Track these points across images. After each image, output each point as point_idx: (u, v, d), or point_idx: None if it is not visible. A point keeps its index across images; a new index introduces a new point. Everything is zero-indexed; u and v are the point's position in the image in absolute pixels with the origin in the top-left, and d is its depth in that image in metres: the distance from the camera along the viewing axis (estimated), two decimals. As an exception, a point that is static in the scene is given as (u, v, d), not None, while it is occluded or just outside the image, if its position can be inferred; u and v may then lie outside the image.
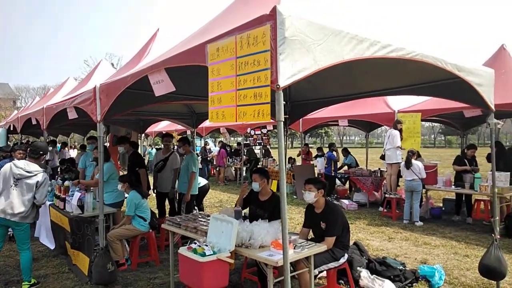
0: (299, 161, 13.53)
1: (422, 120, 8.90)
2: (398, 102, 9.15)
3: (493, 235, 4.08)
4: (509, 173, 6.99)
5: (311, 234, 4.08)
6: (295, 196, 10.79)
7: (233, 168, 15.55)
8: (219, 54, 2.46)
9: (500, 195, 6.60)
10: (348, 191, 10.98)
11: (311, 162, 12.19)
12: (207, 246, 3.26)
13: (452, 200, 8.28)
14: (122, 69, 5.76)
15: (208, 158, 14.30)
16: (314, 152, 12.62)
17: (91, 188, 5.84)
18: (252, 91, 2.23)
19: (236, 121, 2.35)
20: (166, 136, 6.90)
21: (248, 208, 4.45)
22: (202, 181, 6.65)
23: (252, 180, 4.26)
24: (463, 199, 7.79)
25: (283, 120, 2.14)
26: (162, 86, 3.25)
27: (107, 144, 10.51)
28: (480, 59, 7.92)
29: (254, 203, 4.31)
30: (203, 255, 3.14)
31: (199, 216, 4.52)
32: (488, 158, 7.93)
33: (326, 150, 11.41)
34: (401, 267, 4.58)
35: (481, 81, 3.82)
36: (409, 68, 3.87)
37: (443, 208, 8.55)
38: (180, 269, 3.41)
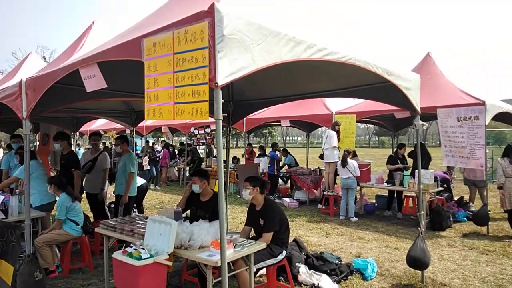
0: (243, 161, 13.59)
1: (357, 121, 9.40)
2: (335, 104, 9.59)
3: (419, 228, 4.42)
4: (433, 170, 7.63)
5: (253, 233, 4.12)
6: (238, 196, 10.82)
7: (176, 168, 15.22)
8: (155, 49, 2.37)
9: (426, 191, 7.18)
10: (290, 190, 11.26)
11: (254, 162, 12.32)
12: (143, 249, 3.13)
13: (384, 197, 8.84)
14: (53, 62, 5.34)
15: (157, 158, 13.80)
16: (258, 152, 12.78)
17: (17, 190, 5.36)
18: (190, 88, 2.18)
19: (173, 119, 2.28)
20: (93, 135, 6.54)
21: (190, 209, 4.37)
22: (139, 181, 6.39)
23: (192, 182, 4.19)
24: (394, 195, 8.37)
25: (222, 118, 2.12)
26: (93, 81, 3.06)
27: (37, 143, 9.71)
28: (409, 66, 8.54)
29: (195, 204, 4.24)
30: (139, 258, 3.02)
31: (137, 218, 4.33)
32: (410, 155, 8.64)
33: (269, 150, 11.60)
34: (337, 261, 4.78)
35: (409, 85, 4.12)
36: (345, 72, 4.07)
37: (376, 204, 9.10)
38: (115, 274, 3.25)
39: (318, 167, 10.72)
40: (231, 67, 2.15)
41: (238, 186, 11.27)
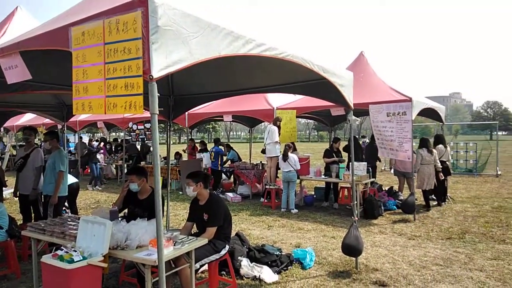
0: (186, 157, 13.36)
1: (297, 117, 9.69)
2: (277, 100, 9.78)
3: (352, 217, 4.68)
4: (366, 163, 8.11)
5: (195, 229, 4.07)
6: (181, 192, 10.62)
7: (114, 165, 14.51)
8: (84, 38, 2.23)
9: (359, 182, 7.62)
10: (233, 185, 11.31)
11: (197, 157, 12.17)
12: (76, 251, 2.95)
13: (322, 188, 9.23)
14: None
15: (97, 155, 12.94)
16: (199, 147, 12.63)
17: None
18: (123, 81, 2.08)
19: (105, 113, 2.17)
20: (26, 129, 6.02)
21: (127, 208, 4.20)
22: (70, 179, 5.98)
23: (129, 180, 4.03)
24: (331, 187, 8.77)
25: (158, 113, 2.06)
26: (15, 72, 2.80)
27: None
28: (344, 64, 8.97)
29: (133, 202, 4.09)
30: (71, 261, 2.84)
31: (68, 219, 4.07)
32: (344, 149, 9.17)
33: (212, 145, 11.52)
34: (278, 253, 4.91)
35: (343, 82, 4.32)
36: (285, 68, 4.14)
37: (315, 196, 9.47)
38: (44, 280, 3.03)
39: (261, 162, 10.88)
40: (167, 60, 2.08)
41: (181, 182, 11.06)
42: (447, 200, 8.98)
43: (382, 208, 7.85)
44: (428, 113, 9.21)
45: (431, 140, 8.84)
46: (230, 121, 12.70)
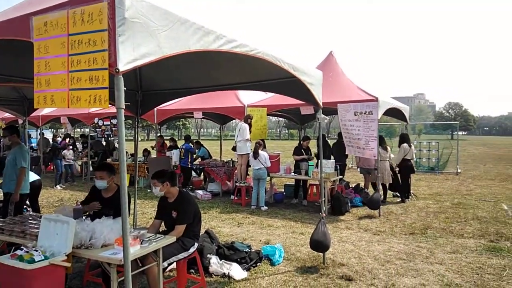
0: (154, 154, 13.10)
1: (268, 114, 9.74)
2: (247, 97, 9.79)
3: (320, 213, 4.77)
4: (334, 160, 8.29)
5: (164, 227, 4.01)
6: (149, 190, 10.40)
7: (80, 162, 14.00)
8: (47, 29, 2.13)
9: (327, 179, 7.77)
10: (203, 182, 11.22)
11: (166, 154, 11.97)
12: (37, 251, 2.83)
13: (292, 186, 9.35)
14: None
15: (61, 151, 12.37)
16: (169, 144, 12.43)
17: None
18: (88, 73, 2.01)
19: (68, 107, 2.08)
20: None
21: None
22: (32, 176, 5.73)
23: (97, 177, 3.90)
24: (301, 184, 8.89)
25: (124, 107, 2.00)
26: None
27: None
28: (314, 63, 9.10)
29: (97, 200, 3.97)
30: (31, 261, 2.72)
31: (29, 218, 3.90)
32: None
33: (182, 143, 11.37)
34: (247, 250, 4.92)
35: (312, 81, 4.39)
36: (256, 65, 4.15)
37: (284, 193, 9.58)
38: (2, 282, 2.88)
39: (231, 159, 10.86)
40: (134, 53, 2.03)
41: (149, 180, 10.85)
42: (410, 197, 9.34)
43: (349, 204, 8.06)
44: (394, 112, 9.54)
45: (396, 139, 9.19)
46: (201, 118, 12.58)
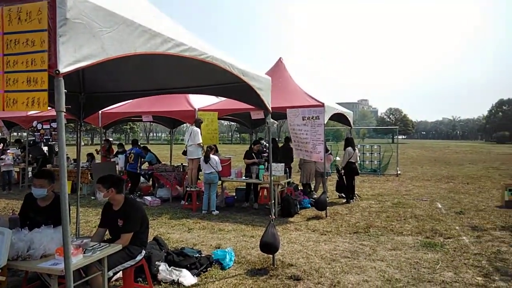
0: (100, 159, 12.51)
1: (219, 119, 9.74)
2: (198, 101, 9.72)
3: (270, 216, 4.87)
4: (283, 164, 8.48)
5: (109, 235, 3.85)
6: (93, 197, 9.92)
7: (17, 169, 12.96)
8: (-22, 26, 1.99)
9: (277, 183, 7.94)
10: (152, 188, 10.92)
11: (112, 160, 11.50)
12: (-36, 265, 2.61)
13: (243, 189, 9.41)
14: None
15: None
16: (116, 149, 11.95)
17: None
18: (26, 75, 1.91)
19: (3, 109, 1.95)
20: None
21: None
22: None
23: (36, 185, 3.65)
24: (252, 187, 8.98)
25: (64, 111, 1.92)
26: None
27: None
28: (264, 69, 9.28)
29: (33, 210, 3.72)
30: (-42, 277, 2.50)
31: (-44, 229, 3.56)
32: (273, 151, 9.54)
33: (129, 147, 10.99)
34: (197, 255, 4.88)
35: (262, 86, 4.48)
36: (206, 69, 4.15)
37: (236, 197, 9.61)
38: None
39: (182, 164, 10.69)
40: (76, 54, 1.96)
41: (93, 187, 10.34)
42: (355, 197, 9.80)
43: (298, 206, 8.29)
44: (339, 117, 9.98)
45: (343, 143, 9.63)
46: (150, 122, 12.25)
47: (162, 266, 4.45)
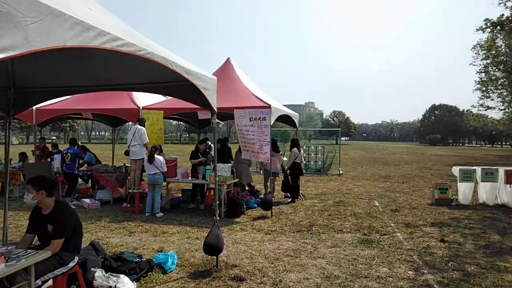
0: (34, 159, 11.61)
1: (164, 118, 9.48)
2: (143, 99, 9.39)
3: (214, 217, 4.82)
4: (230, 164, 8.46)
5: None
6: (25, 200, 9.17)
7: None
8: None
9: (224, 183, 7.90)
10: (91, 189, 10.36)
11: (48, 159, 10.73)
12: None
13: (190, 190, 9.24)
14: None
15: None
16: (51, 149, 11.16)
17: None
18: None
19: None
20: None
21: None
22: None
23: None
24: (198, 188, 8.85)
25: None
26: None
27: None
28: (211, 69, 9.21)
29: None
30: None
31: None
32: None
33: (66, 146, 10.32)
34: (137, 259, 4.70)
35: (207, 86, 4.42)
36: (147, 67, 4.00)
37: (182, 198, 9.42)
38: None
39: (124, 164, 10.26)
40: (-6, 45, 1.77)
41: (25, 189, 9.57)
42: (299, 197, 10.06)
43: (244, 206, 8.32)
44: (285, 119, 10.18)
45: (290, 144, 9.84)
46: (91, 120, 11.60)
47: (98, 273, 4.22)
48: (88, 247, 4.80)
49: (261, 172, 11.04)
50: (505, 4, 18.82)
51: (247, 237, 6.29)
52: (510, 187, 9.13)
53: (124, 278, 4.19)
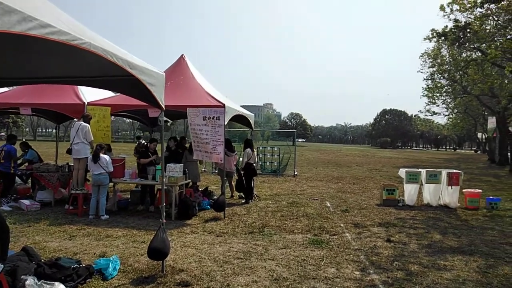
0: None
1: (114, 115, 9.03)
2: (89, 94, 8.86)
3: (161, 220, 4.60)
4: (182, 164, 8.21)
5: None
6: (-49, 202, 8.32)
7: None
8: None
9: (174, 184, 7.64)
10: (31, 190, 9.61)
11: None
12: None
13: (139, 191, 8.85)
14: None
15: None
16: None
17: None
18: None
19: None
20: None
21: None
22: None
23: None
24: (148, 189, 8.50)
25: None
26: None
27: None
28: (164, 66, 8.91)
29: None
30: None
31: None
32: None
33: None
34: (75, 266, 4.36)
35: (154, 82, 4.19)
36: (88, 59, 3.72)
37: (130, 200, 9.00)
38: None
39: (68, 163, 9.63)
40: None
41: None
42: (254, 198, 10.00)
43: (197, 208, 8.11)
44: (241, 119, 10.09)
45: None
46: (30, 115, 10.78)
47: (30, 280, 3.85)
48: (20, 253, 4.40)
49: (217, 172, 10.88)
50: (448, 17, 20.09)
51: (197, 240, 6.10)
52: (452, 188, 9.68)
53: (59, 286, 3.87)
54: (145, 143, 10.35)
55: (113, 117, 9.72)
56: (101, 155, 7.52)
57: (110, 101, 8.67)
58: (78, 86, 8.82)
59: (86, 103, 8.44)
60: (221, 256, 5.31)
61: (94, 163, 7.44)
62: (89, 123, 7.99)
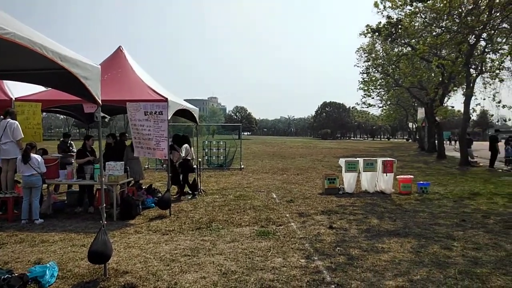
0: None
1: (45, 111, 8.36)
2: (17, 89, 8.11)
3: (101, 221, 4.38)
4: (123, 162, 7.87)
5: None
6: None
7: None
8: None
9: (115, 183, 7.30)
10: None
11: None
12: None
13: (77, 192, 8.34)
14: None
15: None
16: None
17: None
18: None
19: None
20: None
21: None
22: None
23: None
24: (86, 189, 8.02)
25: None
26: None
27: None
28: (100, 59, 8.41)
29: None
30: None
31: None
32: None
33: None
34: (6, 276, 4.01)
35: (88, 75, 3.94)
36: (14, 50, 3.41)
37: (67, 201, 8.46)
38: None
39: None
40: None
41: None
42: (200, 193, 9.90)
43: (140, 207, 7.84)
44: (185, 114, 9.88)
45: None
46: None
47: (-50, 298, 3.47)
48: None
49: (165, 168, 10.62)
50: (382, 13, 21.28)
51: (142, 240, 5.91)
52: (387, 175, 10.36)
53: (-14, 301, 3.53)
54: (70, 143, 9.89)
55: (44, 113, 8.99)
56: (32, 154, 6.95)
57: (40, 96, 8.00)
58: (4, 81, 8.03)
59: (14, 99, 7.71)
60: (167, 254, 5.19)
61: (24, 164, 6.86)
62: (16, 120, 7.32)
